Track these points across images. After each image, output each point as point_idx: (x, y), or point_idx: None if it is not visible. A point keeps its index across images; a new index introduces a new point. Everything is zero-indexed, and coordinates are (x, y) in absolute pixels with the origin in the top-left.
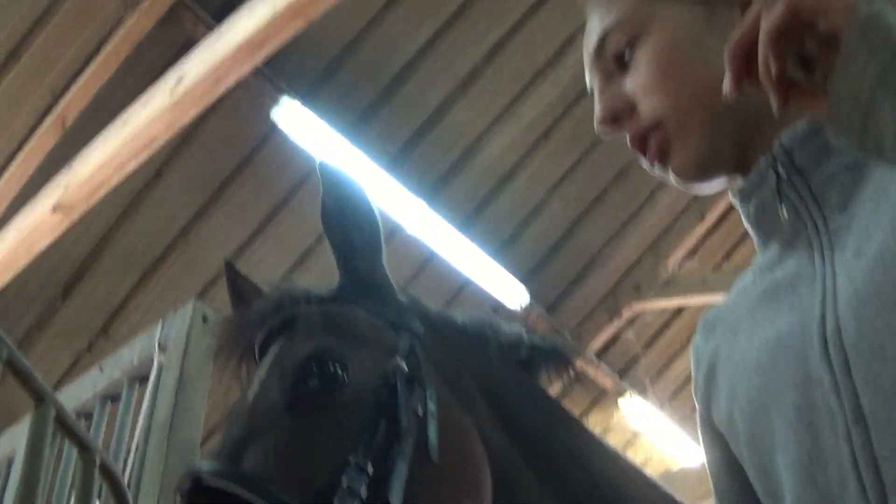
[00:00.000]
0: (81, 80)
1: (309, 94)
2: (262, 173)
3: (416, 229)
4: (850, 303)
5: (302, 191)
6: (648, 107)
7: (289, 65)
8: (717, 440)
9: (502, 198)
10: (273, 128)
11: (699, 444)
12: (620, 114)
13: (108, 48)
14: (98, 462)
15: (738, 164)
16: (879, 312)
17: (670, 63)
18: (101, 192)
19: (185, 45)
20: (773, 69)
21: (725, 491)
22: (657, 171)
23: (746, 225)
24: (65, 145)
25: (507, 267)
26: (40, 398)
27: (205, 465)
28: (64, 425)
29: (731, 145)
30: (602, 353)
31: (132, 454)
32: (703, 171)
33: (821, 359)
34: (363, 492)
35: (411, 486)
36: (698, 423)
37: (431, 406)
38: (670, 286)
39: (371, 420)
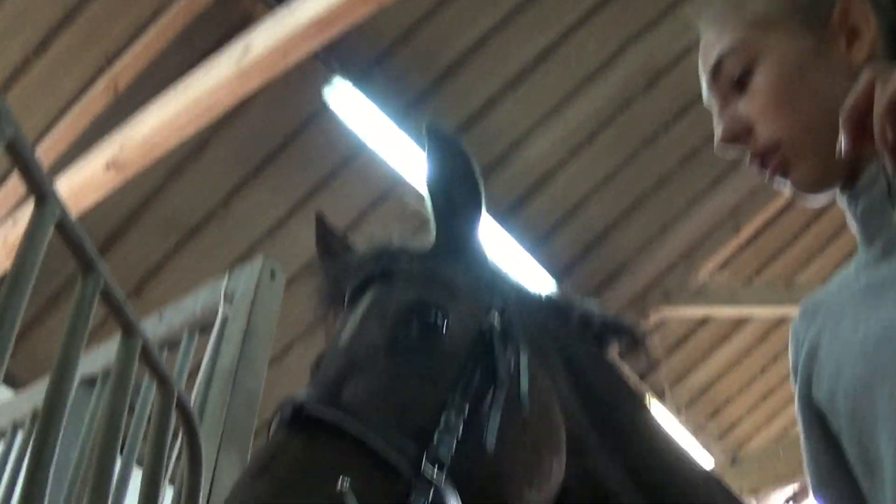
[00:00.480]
0: (136, 47)
1: (361, 77)
2: (308, 151)
3: None
4: None
5: (345, 172)
6: (766, 130)
7: (344, 46)
8: (816, 419)
9: (541, 196)
10: (323, 107)
11: (711, 454)
12: (739, 135)
13: (165, 19)
14: (175, 395)
15: (850, 174)
16: None
17: (784, 90)
18: (157, 153)
19: (243, 23)
20: (890, 138)
21: (823, 469)
22: (777, 185)
23: (852, 223)
24: (115, 109)
25: (540, 262)
26: (129, 329)
27: (306, 395)
28: (147, 358)
29: (845, 161)
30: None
31: (193, 397)
32: (819, 187)
33: None
34: (459, 433)
35: (500, 434)
36: (796, 403)
37: (523, 361)
38: (699, 295)
39: (468, 369)
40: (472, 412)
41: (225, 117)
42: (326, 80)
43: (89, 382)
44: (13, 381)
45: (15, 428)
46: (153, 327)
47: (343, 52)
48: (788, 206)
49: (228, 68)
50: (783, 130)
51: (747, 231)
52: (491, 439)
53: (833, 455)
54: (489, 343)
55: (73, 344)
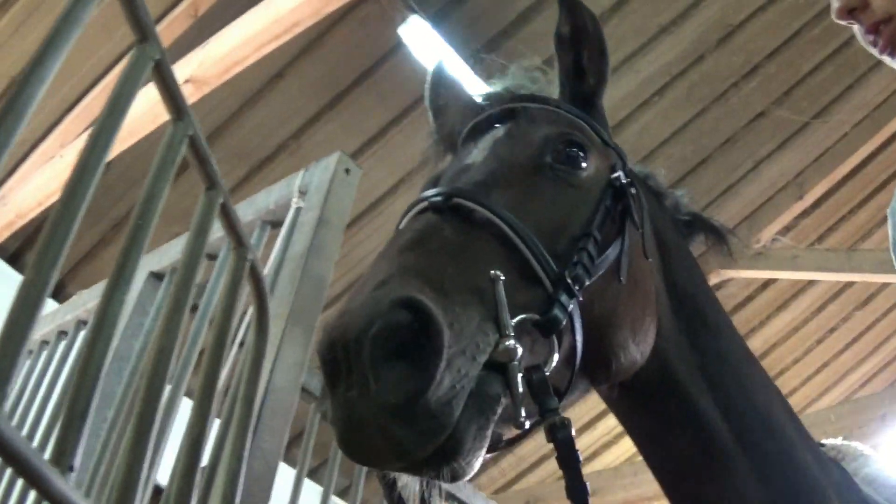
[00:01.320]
0: None
1: (438, 17)
2: (381, 88)
3: None
4: None
5: (417, 111)
6: (883, 3)
7: None
8: None
9: None
10: (398, 44)
11: None
12: (856, 6)
13: None
14: (249, 259)
15: None
16: None
17: None
18: (235, 71)
19: None
20: None
21: None
22: (886, 59)
23: None
24: (195, 33)
25: None
26: (212, 183)
27: (449, 188)
28: (226, 214)
29: None
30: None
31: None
32: None
33: None
34: (595, 263)
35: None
36: None
37: (647, 219)
38: (760, 259)
39: (603, 208)
40: (604, 248)
41: (302, 49)
42: (403, 18)
43: (157, 277)
44: (60, 295)
45: (59, 335)
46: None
47: None
48: (853, 172)
49: None
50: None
51: (811, 197)
52: (623, 276)
53: None
54: (621, 191)
55: (158, 184)
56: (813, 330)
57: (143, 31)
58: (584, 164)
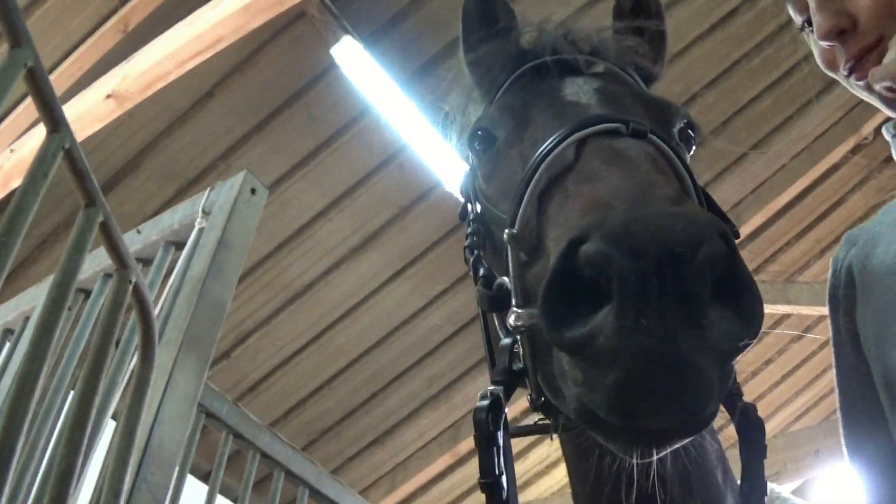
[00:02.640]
0: None
1: (372, 38)
2: (313, 109)
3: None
4: None
5: (349, 132)
6: (872, 25)
7: (357, 6)
8: (850, 346)
9: None
10: (331, 65)
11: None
12: (844, 29)
13: None
14: (132, 281)
15: None
16: None
17: None
18: (157, 87)
19: None
20: None
21: (854, 395)
22: (866, 91)
23: None
24: (124, 48)
25: None
26: (91, 200)
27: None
28: (107, 233)
29: None
30: None
31: (160, 305)
32: None
33: None
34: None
35: None
36: (831, 333)
37: None
38: None
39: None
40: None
41: (233, 68)
42: (337, 38)
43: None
44: None
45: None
46: (129, 242)
47: (356, 11)
48: (791, 204)
49: (235, 3)
50: (888, 28)
51: (748, 228)
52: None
53: (861, 382)
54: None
55: (27, 198)
56: (748, 362)
57: (15, 36)
58: (692, 150)
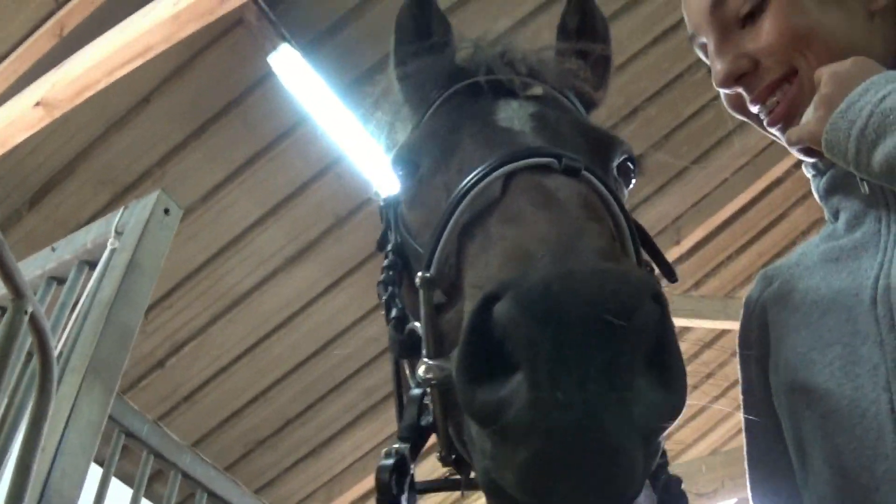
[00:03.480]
0: None
1: (310, 47)
2: (250, 117)
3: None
4: None
5: (286, 141)
6: (777, 63)
7: (295, 14)
8: (761, 396)
9: None
10: (268, 73)
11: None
12: (746, 71)
13: None
14: (29, 312)
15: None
16: None
17: (800, 24)
18: (86, 95)
19: None
20: None
21: (761, 445)
22: (771, 131)
23: (817, 196)
24: (59, 52)
25: None
26: None
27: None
28: (2, 263)
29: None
30: None
31: (67, 331)
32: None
33: (869, 314)
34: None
35: None
36: (741, 378)
37: None
38: None
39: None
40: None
41: (170, 74)
42: (274, 46)
43: None
44: None
45: None
46: (44, 260)
47: (294, 19)
48: (732, 218)
49: (165, 11)
50: (801, 64)
51: (688, 242)
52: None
53: (772, 433)
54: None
55: None
56: (689, 375)
57: None
58: (631, 185)
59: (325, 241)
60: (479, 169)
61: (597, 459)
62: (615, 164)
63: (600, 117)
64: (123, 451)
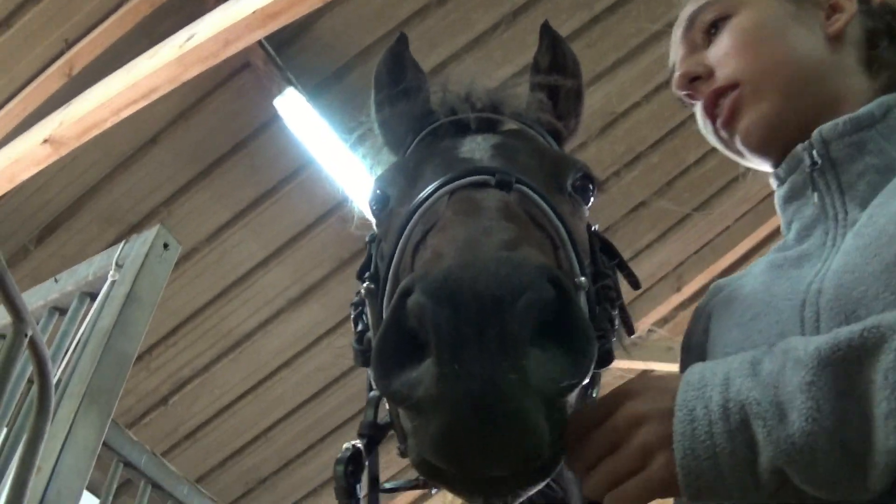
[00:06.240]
0: (95, 33)
1: (316, 91)
2: (256, 160)
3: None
4: (836, 271)
5: (292, 184)
6: (727, 70)
7: (301, 58)
8: None
9: None
10: (274, 116)
11: None
12: (699, 75)
13: (128, 6)
14: (28, 335)
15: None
16: (857, 284)
17: (753, 36)
18: (93, 133)
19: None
20: None
21: None
22: (723, 136)
23: (777, 207)
24: (68, 91)
25: None
26: None
27: (512, 172)
28: (4, 288)
29: (797, 120)
30: None
31: (67, 358)
32: (767, 136)
33: (796, 316)
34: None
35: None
36: None
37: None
38: (635, 349)
39: (595, 250)
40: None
41: (177, 116)
42: (280, 89)
43: None
44: None
45: None
46: (46, 291)
47: (301, 64)
48: (734, 266)
49: (170, 53)
50: (744, 72)
51: (690, 289)
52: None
53: None
54: (603, 244)
55: None
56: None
57: None
58: (590, 201)
59: (328, 283)
60: (427, 191)
61: (499, 423)
62: (570, 182)
63: (603, 164)
64: (122, 484)
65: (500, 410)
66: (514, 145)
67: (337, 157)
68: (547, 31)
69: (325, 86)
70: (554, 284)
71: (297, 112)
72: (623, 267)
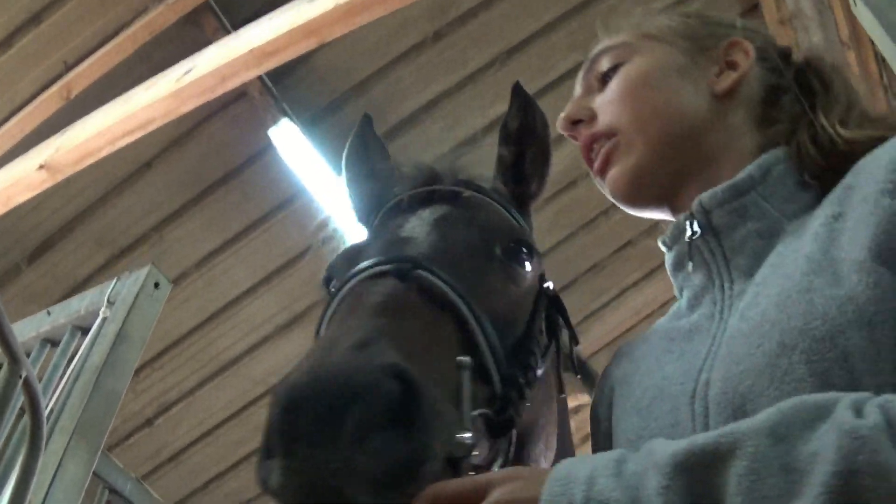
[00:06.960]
0: (94, 57)
1: (310, 122)
2: (248, 188)
3: None
4: (723, 362)
5: (283, 213)
6: (607, 118)
7: (298, 90)
8: None
9: None
10: (268, 146)
11: None
12: (582, 118)
13: (128, 33)
14: (23, 376)
15: (674, 203)
16: (744, 378)
17: (636, 86)
18: (88, 161)
19: (201, 45)
20: None
21: None
22: (599, 182)
23: (669, 274)
24: (65, 114)
25: None
26: None
27: (416, 257)
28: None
29: (669, 176)
30: None
31: (58, 392)
32: (632, 189)
33: (688, 408)
34: (535, 361)
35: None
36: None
37: (565, 338)
38: None
39: (538, 317)
40: (542, 356)
41: (172, 141)
42: (275, 120)
43: None
44: None
45: None
46: (39, 323)
47: (296, 95)
48: None
49: (168, 86)
50: (622, 121)
51: None
52: (551, 388)
53: None
54: (554, 301)
55: None
56: None
57: None
58: (528, 266)
59: (316, 312)
60: (343, 281)
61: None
62: (499, 251)
63: (592, 203)
64: None
65: (330, 498)
66: (456, 217)
67: (328, 188)
68: (518, 93)
69: (319, 118)
70: (401, 379)
71: (290, 142)
72: (566, 322)
